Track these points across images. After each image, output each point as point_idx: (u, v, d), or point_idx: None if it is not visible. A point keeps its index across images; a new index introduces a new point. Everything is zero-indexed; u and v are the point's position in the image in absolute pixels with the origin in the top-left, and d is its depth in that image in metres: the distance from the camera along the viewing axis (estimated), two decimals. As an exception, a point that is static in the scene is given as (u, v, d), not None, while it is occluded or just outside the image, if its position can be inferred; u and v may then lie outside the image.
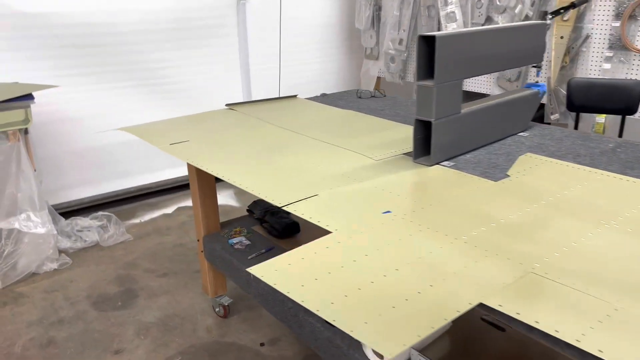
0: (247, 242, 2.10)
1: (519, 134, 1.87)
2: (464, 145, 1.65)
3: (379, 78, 4.15)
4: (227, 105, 2.41)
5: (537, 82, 1.97)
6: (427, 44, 1.49)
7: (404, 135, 1.87)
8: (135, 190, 3.66)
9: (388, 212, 1.24)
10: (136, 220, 3.40)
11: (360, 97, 2.50)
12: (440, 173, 1.49)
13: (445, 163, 1.57)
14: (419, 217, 1.21)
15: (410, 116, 2.15)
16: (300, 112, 2.27)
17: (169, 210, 3.56)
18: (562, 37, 2.78)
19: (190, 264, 2.82)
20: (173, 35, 3.52)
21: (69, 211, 3.36)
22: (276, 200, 1.32)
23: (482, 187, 1.39)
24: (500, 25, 1.71)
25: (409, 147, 1.72)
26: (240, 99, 3.98)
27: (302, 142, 1.82)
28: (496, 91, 3.26)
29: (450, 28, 3.38)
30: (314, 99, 2.55)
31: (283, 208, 1.28)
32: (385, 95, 2.52)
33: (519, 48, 1.77)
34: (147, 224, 3.35)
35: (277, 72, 3.98)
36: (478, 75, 1.66)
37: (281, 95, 2.46)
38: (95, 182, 3.49)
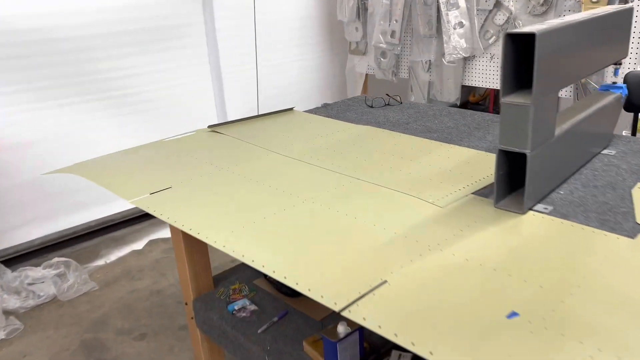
0: (253, 307, 1.63)
1: (603, 152, 1.46)
2: (554, 179, 1.23)
3: (367, 75, 3.71)
4: (209, 127, 1.91)
5: (614, 82, 1.57)
6: (515, 44, 1.05)
7: (456, 160, 1.44)
8: (96, 225, 3.10)
9: (514, 314, 0.79)
10: (100, 262, 2.85)
11: (372, 106, 2.05)
12: (544, 227, 1.06)
13: (539, 207, 1.14)
14: (563, 322, 0.77)
15: (447, 131, 1.71)
16: (305, 131, 1.80)
17: (139, 245, 3.02)
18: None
19: (173, 317, 2.32)
20: (132, 39, 2.96)
21: (15, 257, 2.79)
22: (326, 297, 0.86)
23: (618, 249, 0.96)
24: (591, 12, 1.28)
25: (473, 180, 1.29)
26: (212, 107, 3.46)
27: (323, 179, 1.36)
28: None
29: (452, 17, 2.96)
30: (315, 111, 2.09)
31: (342, 314, 0.82)
32: (401, 102, 2.08)
33: (606, 42, 1.36)
34: (115, 265, 2.82)
35: (252, 74, 3.48)
36: (571, 84, 1.23)
37: (274, 110, 1.97)
38: (46, 219, 2.91)
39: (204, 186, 1.36)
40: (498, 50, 2.89)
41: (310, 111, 2.08)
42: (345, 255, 0.98)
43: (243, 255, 1.01)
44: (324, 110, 2.07)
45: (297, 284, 0.90)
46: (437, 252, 0.98)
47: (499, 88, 2.99)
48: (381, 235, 1.05)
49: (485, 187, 1.25)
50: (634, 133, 2.16)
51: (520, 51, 1.07)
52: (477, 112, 1.88)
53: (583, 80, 2.50)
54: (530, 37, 1.00)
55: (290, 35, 3.68)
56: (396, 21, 3.26)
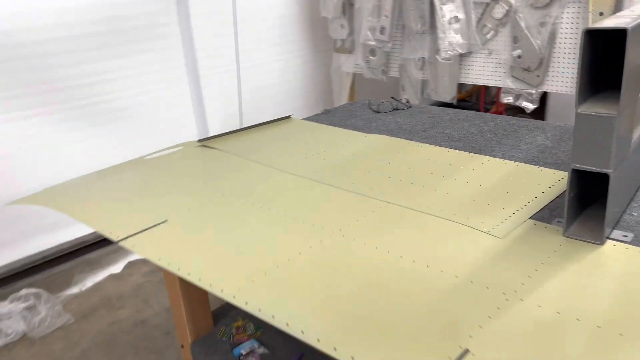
0: (261, 350, 1.41)
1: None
2: (626, 198, 1.05)
3: (354, 75, 3.51)
4: (199, 141, 1.68)
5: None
6: (594, 43, 0.86)
7: (495, 175, 1.25)
8: (69, 247, 2.82)
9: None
10: (75, 290, 2.58)
11: (378, 111, 1.85)
12: (634, 261, 0.88)
13: (616, 234, 0.96)
14: None
15: (472, 139, 1.52)
16: (311, 143, 1.59)
17: (117, 268, 2.75)
18: (601, 14, 2.26)
19: (162, 352, 2.08)
20: (100, 41, 2.68)
21: (-22, 289, 2.49)
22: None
23: None
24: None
25: (525, 200, 1.11)
26: (190, 112, 3.21)
27: (348, 204, 1.16)
28: (509, 84, 2.72)
29: (446, 10, 2.79)
30: (315, 118, 1.88)
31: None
32: (410, 106, 1.89)
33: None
34: (91, 293, 2.55)
35: (232, 76, 3.24)
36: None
37: (270, 119, 1.75)
38: (11, 243, 2.62)
39: (206, 218, 1.14)
40: (496, 45, 2.73)
41: (309, 119, 1.87)
42: (402, 314, 0.78)
43: (273, 317, 0.79)
44: (325, 117, 1.86)
45: (352, 358, 0.70)
46: (517, 302, 0.79)
47: (498, 85, 2.86)
48: (440, 282, 0.85)
49: (542, 210, 1.07)
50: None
51: (596, 50, 0.89)
52: (497, 115, 1.71)
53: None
54: (616, 33, 0.82)
55: (272, 34, 3.45)
56: (386, 17, 3.07)
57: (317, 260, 0.93)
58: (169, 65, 3.03)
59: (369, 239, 1.00)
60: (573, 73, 2.50)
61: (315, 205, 1.16)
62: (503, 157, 1.37)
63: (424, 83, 3.13)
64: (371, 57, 3.25)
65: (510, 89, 2.73)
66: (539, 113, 4.13)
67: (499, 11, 2.66)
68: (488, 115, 1.71)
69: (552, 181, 1.19)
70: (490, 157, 1.36)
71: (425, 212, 1.10)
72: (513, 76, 2.70)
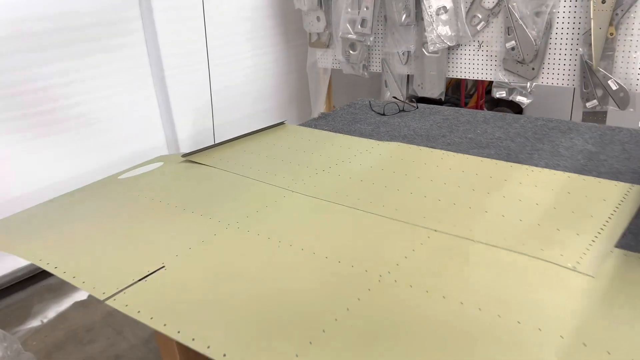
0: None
1: None
2: None
3: (332, 71, 3.30)
4: (184, 155, 1.44)
5: None
6: None
7: (549, 190, 1.07)
8: (25, 272, 2.49)
9: None
10: (36, 322, 2.27)
11: (384, 114, 1.65)
12: None
13: None
14: None
15: (502, 145, 1.34)
16: (316, 155, 1.37)
17: (82, 294, 2.45)
18: (603, 2, 2.14)
19: (144, 395, 1.82)
20: (54, 40, 2.36)
21: None
22: None
23: None
24: None
25: (598, 222, 0.93)
26: (156, 116, 2.92)
27: (387, 234, 0.95)
28: (502, 77, 2.57)
29: (433, 0, 2.61)
30: (313, 123, 1.66)
31: None
32: (417, 107, 1.70)
33: None
34: (55, 325, 2.25)
35: (202, 75, 2.97)
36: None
37: (264, 126, 1.52)
38: (-43, 274, 2.28)
39: (212, 259, 0.91)
40: (487, 37, 2.58)
41: (306, 125, 1.65)
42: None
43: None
44: (325, 122, 1.64)
45: None
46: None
47: (490, 79, 2.71)
48: (545, 349, 0.66)
49: (625, 235, 0.90)
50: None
51: None
52: (519, 116, 1.54)
53: (594, 66, 2.24)
54: None
55: (244, 28, 3.19)
56: (367, 8, 2.87)
57: (374, 319, 0.72)
58: (131, 65, 2.73)
59: (430, 285, 0.80)
60: (570, 65, 2.38)
61: (345, 237, 0.95)
62: (547, 166, 1.20)
63: (409, 79, 2.96)
64: (351, 52, 3.04)
65: (503, 83, 2.59)
66: (513, 106, 4.06)
67: (490, 0, 2.50)
68: (509, 116, 1.54)
69: (619, 196, 1.02)
70: (532, 167, 1.19)
71: (485, 242, 0.91)
72: (506, 69, 2.56)
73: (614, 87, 2.25)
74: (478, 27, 2.59)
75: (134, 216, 1.10)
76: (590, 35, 2.21)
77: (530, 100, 2.54)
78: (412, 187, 1.14)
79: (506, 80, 2.58)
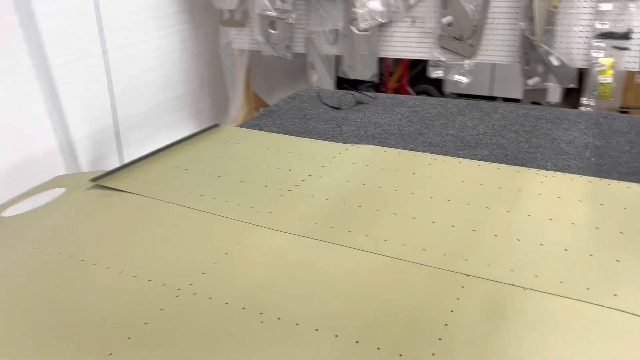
0: None
1: None
2: None
3: (250, 53, 2.96)
4: (93, 180, 1.08)
5: None
6: None
7: (576, 202, 0.88)
8: None
9: None
10: None
11: (338, 107, 1.39)
12: None
13: None
14: None
15: (495, 143, 1.14)
16: (273, 167, 1.08)
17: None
18: (545, -27, 2.02)
19: None
20: None
21: None
22: None
23: None
24: None
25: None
26: (43, 114, 2.42)
27: (401, 287, 0.71)
28: (438, 55, 2.40)
29: (362, -28, 2.36)
30: (256, 124, 1.36)
31: None
32: (375, 97, 1.45)
33: None
34: None
35: (96, 64, 2.51)
36: None
37: (193, 132, 1.19)
38: None
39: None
40: (421, 12, 2.39)
41: (248, 126, 1.35)
42: None
43: None
44: (270, 120, 1.35)
45: None
46: None
47: (423, 58, 2.53)
48: None
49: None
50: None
51: None
52: (496, 104, 1.35)
53: (537, 42, 2.12)
54: None
55: (145, 4, 2.73)
56: (287, -19, 2.56)
57: None
58: (4, 55, 2.21)
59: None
60: (510, 41, 2.25)
61: (348, 297, 0.69)
62: (556, 168, 1.01)
63: (337, 59, 2.71)
64: (271, 31, 2.72)
65: (440, 61, 2.42)
66: (434, 83, 3.97)
67: (423, -28, 2.31)
68: (484, 105, 1.35)
69: (663, 205, 0.85)
70: (542, 171, 0.99)
71: (540, 289, 0.68)
72: (442, 47, 2.39)
73: (556, 63, 2.16)
74: (411, 2, 2.39)
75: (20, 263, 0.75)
76: (532, 8, 2.09)
77: (470, 80, 2.40)
78: (412, 210, 0.89)
79: (442, 59, 2.41)
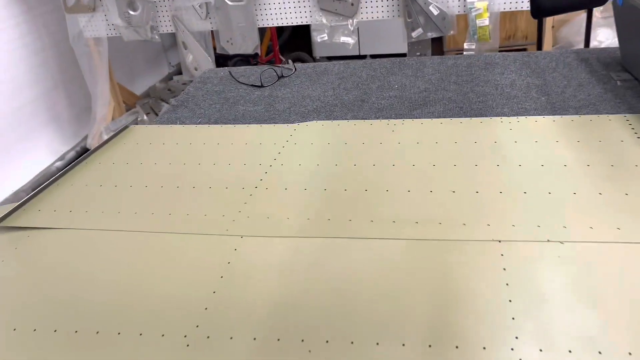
0: None
1: None
2: None
3: (107, 41, 2.61)
4: (-3, 221, 0.84)
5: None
6: None
7: (552, 142, 0.87)
8: None
9: None
10: None
11: (262, 85, 1.25)
12: None
13: None
14: None
15: (436, 99, 1.10)
16: (220, 164, 0.94)
17: None
18: None
19: None
20: None
21: None
22: None
23: None
24: None
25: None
26: None
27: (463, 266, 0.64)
28: (320, 19, 2.33)
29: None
30: (172, 118, 1.17)
31: None
32: (295, 68, 1.34)
33: None
34: None
35: None
36: None
37: (98, 144, 1.01)
38: None
39: None
40: (295, -25, 2.28)
41: (162, 121, 1.16)
42: None
43: None
44: (186, 111, 1.17)
45: None
46: None
47: (307, 23, 2.43)
48: None
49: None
50: (539, 40, 1.94)
51: None
52: (418, 58, 1.31)
53: (418, -5, 2.14)
54: None
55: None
56: (140, -46, 2.27)
57: None
58: None
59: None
60: (389, -4, 2.25)
61: (394, 295, 0.61)
62: (515, 113, 1.00)
63: (214, 35, 2.49)
64: (131, 12, 2.42)
65: (322, 24, 2.35)
66: (305, 48, 3.90)
67: None
68: (408, 60, 1.31)
69: (630, 131, 0.88)
70: (505, 118, 0.97)
71: (573, 239, 0.66)
72: (323, 9, 2.31)
73: (435, 12, 2.20)
74: (284, -36, 2.26)
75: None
76: (407, -40, 2.10)
77: (355, 41, 2.37)
78: (402, 182, 0.82)
79: (324, 22, 2.34)
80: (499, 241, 0.67)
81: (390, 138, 0.95)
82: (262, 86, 1.24)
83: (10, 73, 2.49)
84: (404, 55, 2.73)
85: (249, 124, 1.08)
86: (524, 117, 0.96)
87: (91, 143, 2.70)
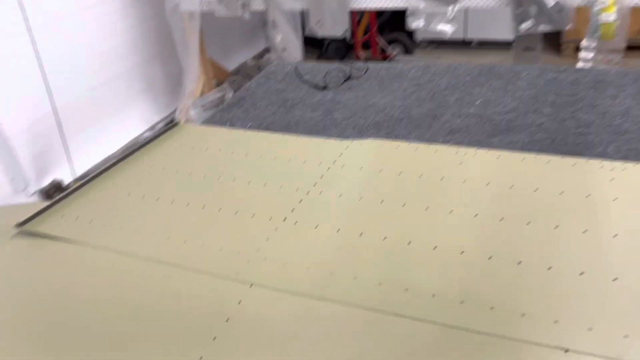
0: None
1: None
2: None
3: (201, 15, 2.60)
4: (19, 225, 0.80)
5: None
6: None
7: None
8: None
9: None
10: None
11: (325, 87, 1.12)
12: None
13: None
14: None
15: (524, 123, 0.91)
16: (255, 181, 0.84)
17: None
18: None
19: None
20: None
21: None
22: None
23: None
24: None
25: None
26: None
27: None
28: (417, 4, 2.12)
29: None
30: (222, 117, 1.08)
31: None
32: (367, 69, 1.19)
33: None
34: None
35: (20, 42, 2.13)
36: None
37: (144, 140, 0.91)
38: None
39: None
40: (395, -46, 2.09)
41: (214, 121, 1.08)
42: None
43: None
44: (241, 110, 1.08)
45: None
46: None
47: (403, 8, 2.23)
48: None
49: None
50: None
51: None
52: (513, 66, 1.10)
53: None
54: None
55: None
56: None
57: None
58: None
59: None
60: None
61: None
62: (622, 155, 0.79)
63: (303, 16, 2.39)
64: (224, -13, 2.38)
65: (419, 10, 2.15)
66: (401, 28, 3.66)
67: None
68: (500, 67, 1.10)
69: None
70: (605, 162, 0.77)
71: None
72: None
73: (551, 3, 1.91)
74: (383, -58, 2.08)
75: None
76: (523, -59, 1.83)
77: (454, 29, 2.14)
78: (456, 239, 0.66)
79: (422, 7, 2.14)
80: (565, 350, 0.51)
81: (455, 173, 0.79)
82: (325, 88, 1.12)
83: (109, 43, 2.57)
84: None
85: (301, 133, 0.97)
86: (632, 163, 0.75)
87: (179, 116, 2.74)
